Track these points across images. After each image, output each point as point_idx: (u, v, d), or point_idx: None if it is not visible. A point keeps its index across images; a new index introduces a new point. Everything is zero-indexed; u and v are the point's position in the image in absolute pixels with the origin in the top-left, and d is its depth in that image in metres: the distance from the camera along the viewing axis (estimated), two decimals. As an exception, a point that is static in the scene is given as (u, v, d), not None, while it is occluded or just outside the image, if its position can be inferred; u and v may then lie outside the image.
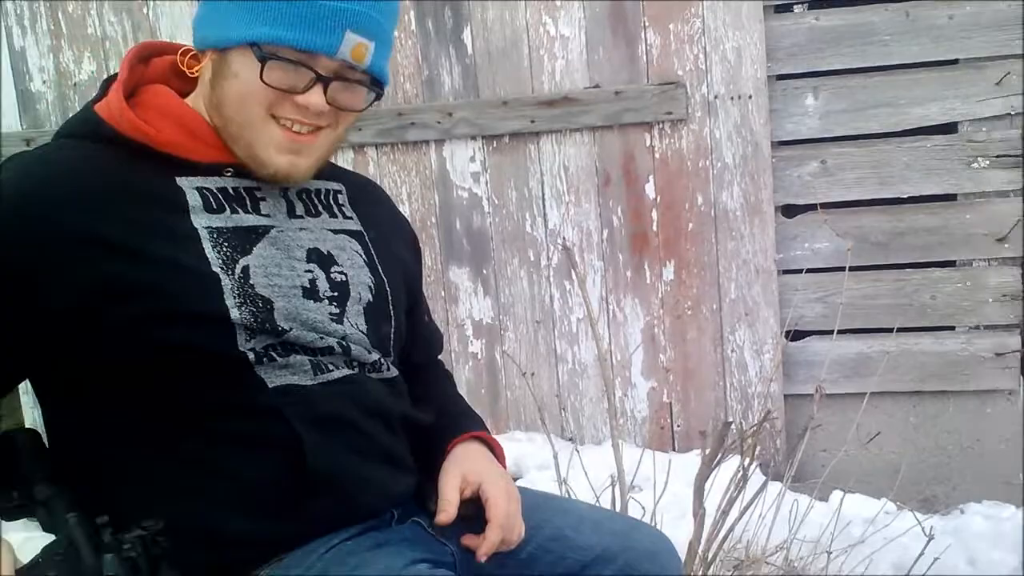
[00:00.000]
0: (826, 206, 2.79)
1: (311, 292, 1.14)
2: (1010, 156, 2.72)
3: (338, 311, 1.16)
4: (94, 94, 1.18)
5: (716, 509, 1.99)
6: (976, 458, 2.88)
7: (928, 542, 1.97)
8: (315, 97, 1.10)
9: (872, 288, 2.85)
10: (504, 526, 1.17)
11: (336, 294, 1.16)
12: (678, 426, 3.00)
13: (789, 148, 2.84)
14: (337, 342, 1.14)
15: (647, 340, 2.96)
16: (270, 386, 1.08)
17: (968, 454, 2.88)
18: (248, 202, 1.14)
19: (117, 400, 1.06)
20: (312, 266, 1.16)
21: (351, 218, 1.26)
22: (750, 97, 2.79)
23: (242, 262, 1.10)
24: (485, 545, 1.16)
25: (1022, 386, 2.83)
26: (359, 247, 1.23)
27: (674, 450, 2.97)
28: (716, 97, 2.80)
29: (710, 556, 1.94)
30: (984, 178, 2.75)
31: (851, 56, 2.75)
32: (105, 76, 1.41)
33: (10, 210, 1.02)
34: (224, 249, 1.09)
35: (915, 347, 2.85)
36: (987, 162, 2.74)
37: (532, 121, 2.89)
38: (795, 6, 2.82)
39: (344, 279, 1.18)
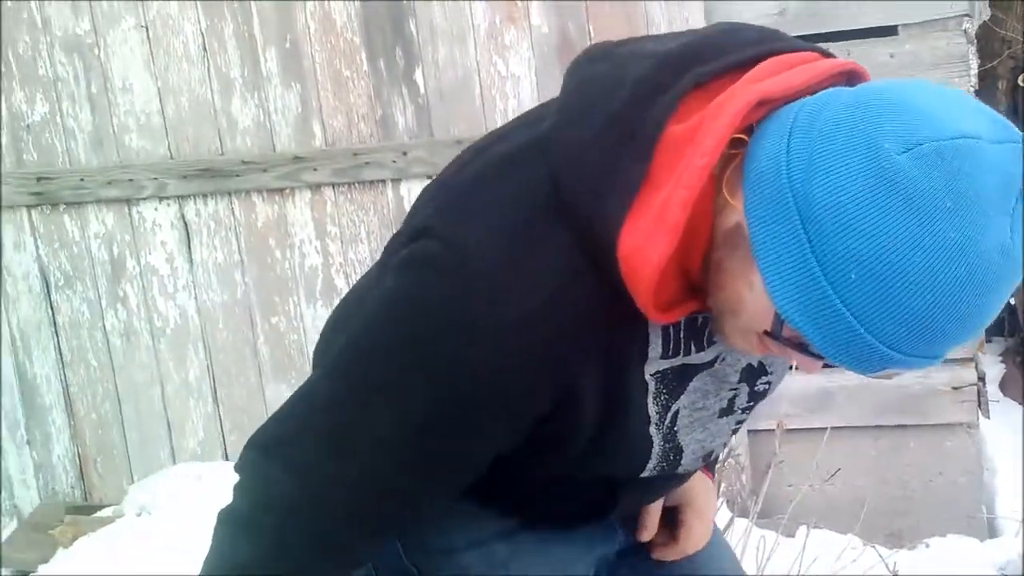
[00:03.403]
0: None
1: (727, 411, 1.04)
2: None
3: (743, 419, 1.07)
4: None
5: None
6: (938, 492, 2.86)
7: (895, 576, 1.95)
8: (813, 366, 0.92)
9: (829, 323, 2.86)
10: (686, 552, 1.21)
11: (751, 403, 1.05)
12: (640, 466, 2.95)
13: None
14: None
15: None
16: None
17: (930, 488, 2.87)
18: (705, 334, 0.96)
19: None
20: (741, 384, 1.03)
21: None
22: (703, 135, 2.81)
23: (674, 407, 0.98)
24: (660, 553, 1.20)
25: (980, 419, 2.84)
26: None
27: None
28: (669, 135, 2.82)
29: (678, 591, 1.89)
30: (934, 213, 2.78)
31: (800, 94, 2.80)
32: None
33: (520, 346, 0.88)
34: (662, 398, 0.97)
35: (873, 381, 2.85)
36: (936, 198, 2.78)
37: (487, 160, 2.88)
38: (744, 46, 2.87)
39: (766, 388, 1.06)
